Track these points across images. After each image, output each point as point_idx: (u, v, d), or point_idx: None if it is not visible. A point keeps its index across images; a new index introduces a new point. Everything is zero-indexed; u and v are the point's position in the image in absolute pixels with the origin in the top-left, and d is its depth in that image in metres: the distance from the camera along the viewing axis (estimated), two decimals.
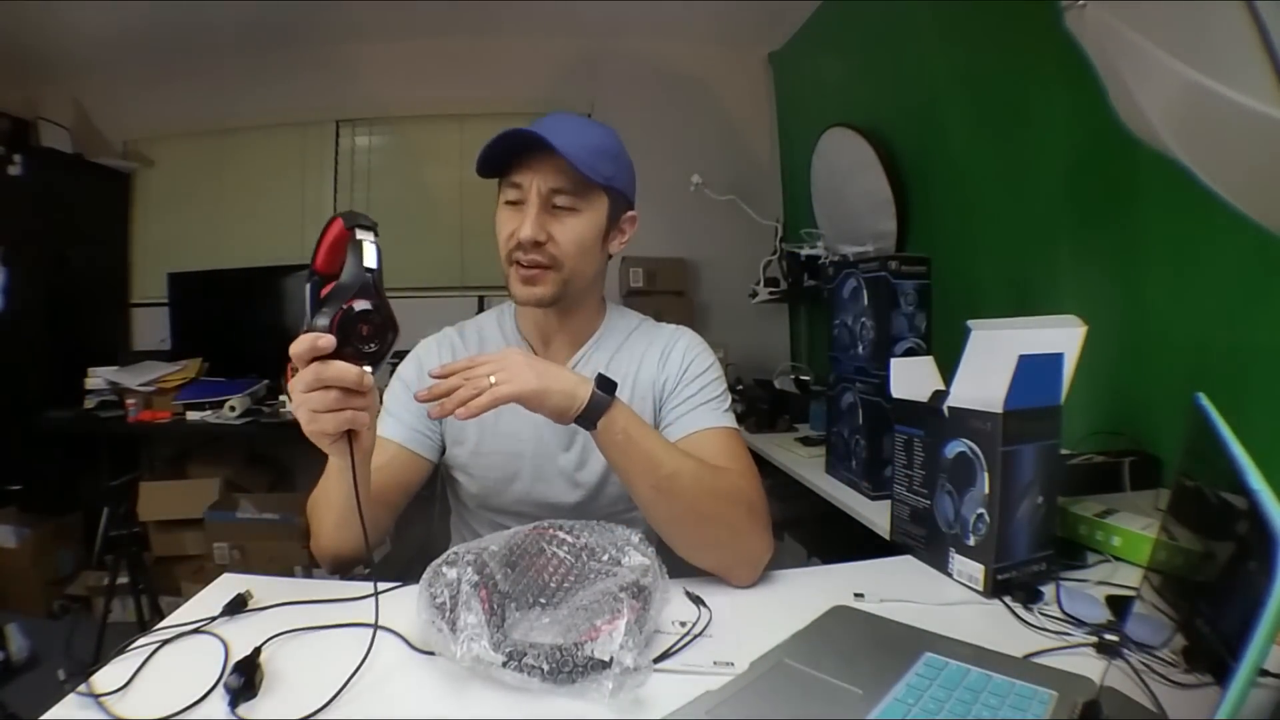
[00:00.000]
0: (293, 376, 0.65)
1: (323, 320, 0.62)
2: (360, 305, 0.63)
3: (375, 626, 0.64)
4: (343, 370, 0.62)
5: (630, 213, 0.95)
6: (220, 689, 0.57)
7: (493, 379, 0.71)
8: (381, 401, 0.92)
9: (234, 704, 0.55)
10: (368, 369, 0.64)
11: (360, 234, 0.64)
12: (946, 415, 0.86)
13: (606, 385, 0.75)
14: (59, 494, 2.60)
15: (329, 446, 0.67)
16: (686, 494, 0.76)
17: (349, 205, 3.05)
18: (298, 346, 0.62)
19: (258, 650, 0.61)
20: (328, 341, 0.61)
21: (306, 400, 0.63)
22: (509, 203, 0.88)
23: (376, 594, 0.66)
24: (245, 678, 0.57)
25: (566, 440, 0.95)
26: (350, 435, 0.66)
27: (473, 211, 3.03)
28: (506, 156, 0.86)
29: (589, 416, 0.73)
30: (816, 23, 2.61)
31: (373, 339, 0.64)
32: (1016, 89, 1.57)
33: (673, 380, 0.93)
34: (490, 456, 0.95)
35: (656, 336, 0.98)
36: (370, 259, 0.64)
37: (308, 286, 0.67)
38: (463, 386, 0.71)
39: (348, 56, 2.96)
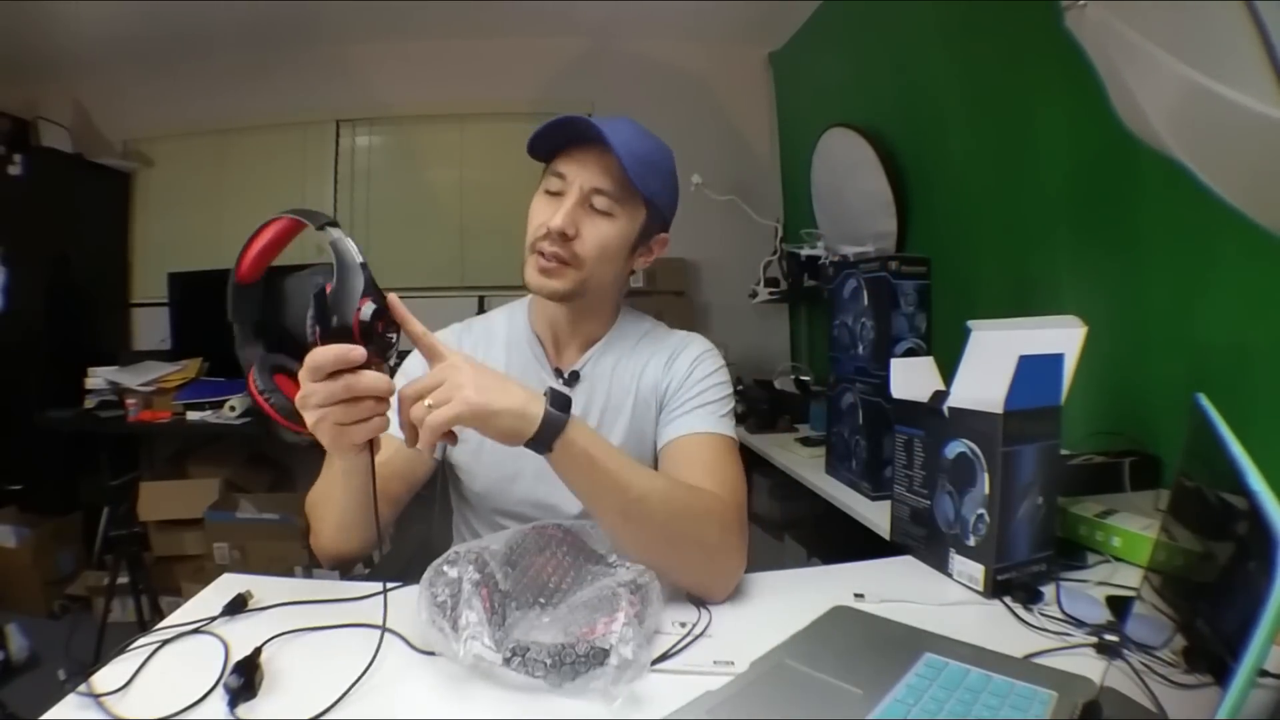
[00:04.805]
0: (257, 387, 0.63)
1: (339, 327, 0.59)
2: (369, 307, 0.60)
3: (383, 629, 0.63)
4: (376, 381, 0.60)
5: (663, 234, 0.94)
6: (220, 689, 0.57)
7: (428, 402, 0.63)
8: None
9: (233, 704, 0.55)
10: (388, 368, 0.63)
11: (334, 231, 0.61)
12: (946, 415, 0.86)
13: (560, 401, 0.67)
14: (59, 494, 2.60)
15: (353, 456, 0.66)
16: (656, 517, 0.72)
17: (349, 205, 3.06)
18: (321, 358, 0.58)
19: (258, 650, 0.61)
20: (360, 354, 0.58)
21: (331, 414, 0.60)
22: (549, 192, 0.87)
23: (385, 592, 0.65)
24: (245, 678, 0.57)
25: None
26: (371, 442, 0.65)
27: (473, 211, 3.03)
28: (558, 143, 0.86)
29: (543, 438, 0.65)
30: (816, 23, 2.61)
31: (387, 330, 0.62)
32: (1016, 89, 1.57)
33: (676, 383, 0.92)
34: (493, 454, 0.94)
35: (666, 341, 0.98)
36: (358, 252, 0.60)
37: (313, 300, 0.60)
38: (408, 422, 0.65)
39: (348, 56, 2.97)
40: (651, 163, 0.86)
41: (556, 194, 0.86)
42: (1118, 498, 1.03)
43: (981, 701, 0.55)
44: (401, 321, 0.65)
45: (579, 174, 0.84)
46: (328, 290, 0.60)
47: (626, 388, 0.94)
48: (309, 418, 0.61)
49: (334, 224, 0.61)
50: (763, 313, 2.97)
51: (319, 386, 0.59)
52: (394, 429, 0.90)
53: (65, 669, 1.68)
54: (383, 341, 0.61)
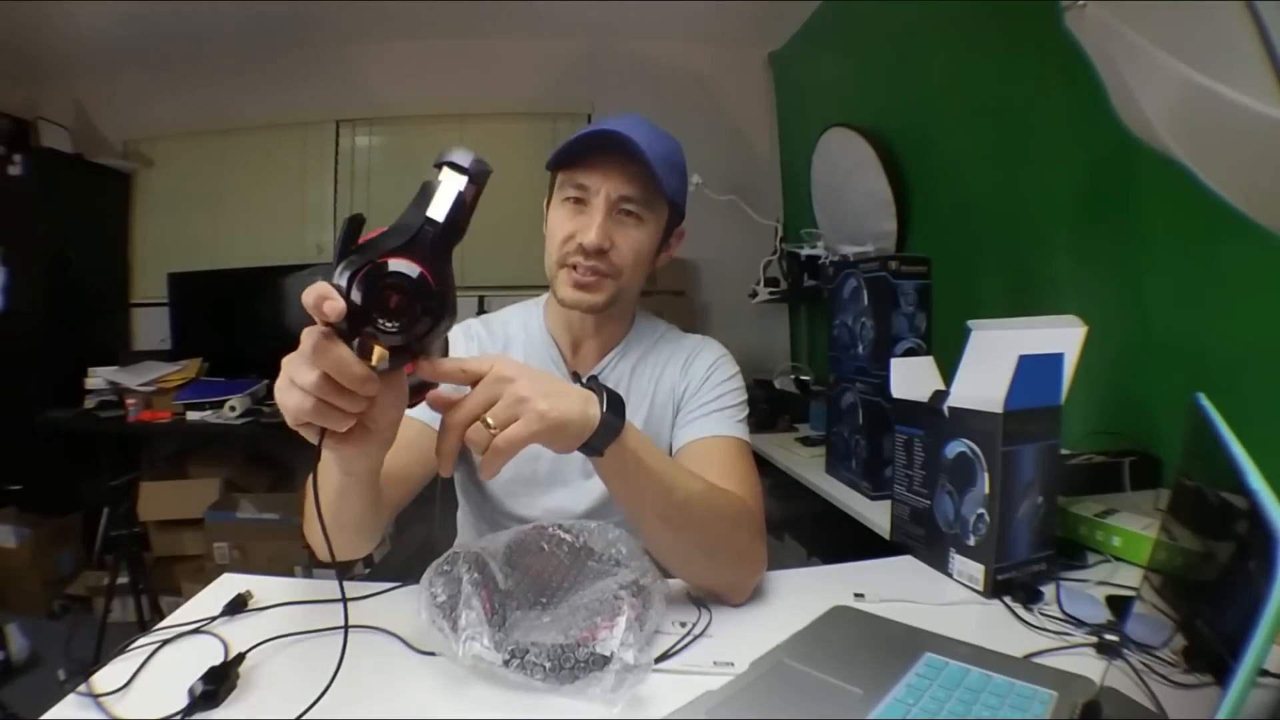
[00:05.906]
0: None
1: (342, 276, 0.44)
2: (397, 265, 0.44)
3: (345, 627, 0.54)
4: (342, 361, 0.45)
5: (679, 228, 0.94)
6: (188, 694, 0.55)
7: (490, 420, 0.56)
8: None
9: (190, 710, 0.54)
10: (381, 361, 0.46)
11: (443, 171, 0.47)
12: (946, 415, 0.86)
13: (615, 403, 0.63)
14: (59, 494, 2.60)
15: (298, 429, 0.50)
16: (696, 521, 0.70)
17: (349, 205, 3.06)
18: (308, 296, 0.44)
19: (240, 657, 0.60)
20: (335, 308, 0.43)
21: (289, 364, 0.47)
22: (569, 200, 0.84)
23: (344, 600, 0.55)
24: (213, 686, 0.55)
25: None
26: (322, 432, 0.50)
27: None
28: (576, 152, 0.83)
29: (596, 444, 0.61)
30: (816, 23, 2.60)
31: (399, 316, 0.45)
32: (1017, 89, 1.56)
33: (694, 386, 0.92)
34: None
35: (681, 345, 0.97)
36: (440, 208, 0.46)
37: (345, 225, 0.46)
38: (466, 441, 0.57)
39: (348, 56, 2.97)
40: (671, 162, 0.85)
41: (579, 202, 0.83)
42: (1118, 497, 1.03)
43: (981, 701, 0.55)
44: (436, 377, 0.54)
45: (604, 183, 0.82)
46: (374, 232, 0.46)
47: (644, 391, 0.94)
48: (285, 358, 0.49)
49: (459, 168, 0.48)
50: (763, 312, 2.97)
51: (305, 331, 0.47)
52: (416, 411, 0.71)
53: (65, 669, 1.68)
54: (384, 313, 0.44)
